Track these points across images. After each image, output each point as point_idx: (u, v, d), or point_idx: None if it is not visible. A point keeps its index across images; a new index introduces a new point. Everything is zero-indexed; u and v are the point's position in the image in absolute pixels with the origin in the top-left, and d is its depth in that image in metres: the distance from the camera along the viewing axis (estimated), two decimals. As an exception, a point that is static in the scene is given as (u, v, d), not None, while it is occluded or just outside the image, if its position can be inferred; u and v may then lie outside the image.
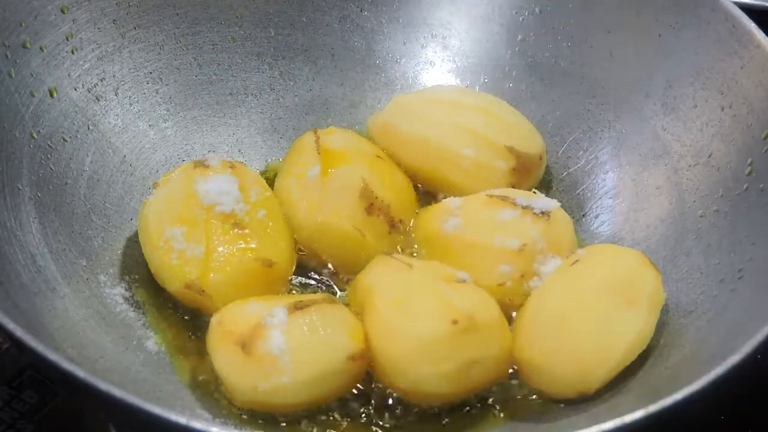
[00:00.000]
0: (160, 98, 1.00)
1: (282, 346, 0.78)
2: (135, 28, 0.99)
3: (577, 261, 0.85)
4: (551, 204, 0.89)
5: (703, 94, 0.93)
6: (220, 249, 0.85)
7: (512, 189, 0.92)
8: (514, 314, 0.86)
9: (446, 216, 0.90)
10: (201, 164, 0.89)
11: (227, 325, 0.81)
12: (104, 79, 0.96)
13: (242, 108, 1.02)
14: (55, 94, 0.92)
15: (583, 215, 0.97)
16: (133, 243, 0.92)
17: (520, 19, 1.03)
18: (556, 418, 0.81)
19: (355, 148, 0.93)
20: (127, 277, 0.90)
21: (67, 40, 0.94)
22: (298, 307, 0.81)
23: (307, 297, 0.85)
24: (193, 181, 0.88)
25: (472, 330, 0.79)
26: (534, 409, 0.83)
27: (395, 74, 1.06)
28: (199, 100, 1.01)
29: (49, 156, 0.90)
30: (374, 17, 1.06)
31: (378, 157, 0.94)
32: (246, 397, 0.80)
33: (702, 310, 0.84)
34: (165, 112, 1.00)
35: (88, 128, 0.94)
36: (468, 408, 0.83)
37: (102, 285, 0.88)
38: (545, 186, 0.99)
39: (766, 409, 0.92)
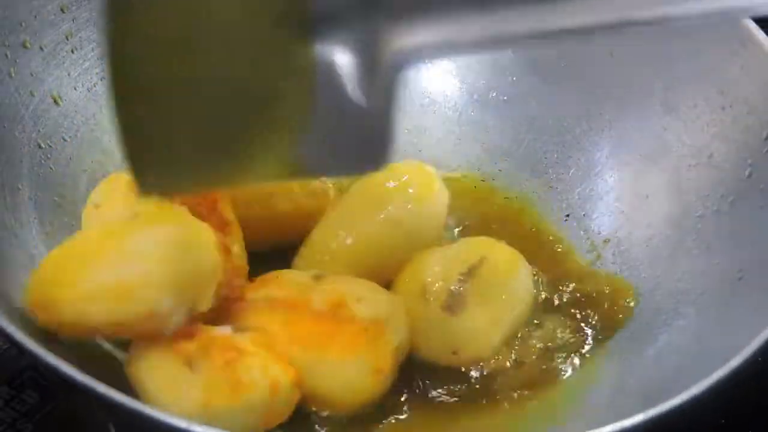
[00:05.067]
0: (160, 97, 1.00)
1: None
2: (135, 27, 0.99)
3: None
4: None
5: (703, 94, 0.93)
6: None
7: None
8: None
9: None
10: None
11: None
12: (104, 78, 0.96)
13: (242, 107, 1.02)
14: (61, 103, 0.92)
15: (584, 215, 0.97)
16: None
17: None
18: (556, 423, 0.81)
19: None
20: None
21: (67, 39, 0.94)
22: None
23: None
24: None
25: None
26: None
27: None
28: (198, 99, 1.01)
29: (49, 156, 0.90)
30: (374, 16, 1.06)
31: None
32: None
33: (702, 311, 0.84)
34: (165, 112, 1.00)
35: (88, 128, 0.94)
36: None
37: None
38: (546, 186, 0.99)
39: (766, 411, 0.92)
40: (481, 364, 0.85)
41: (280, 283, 0.83)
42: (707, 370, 0.72)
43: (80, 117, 0.94)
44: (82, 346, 0.79)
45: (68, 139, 0.92)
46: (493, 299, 0.85)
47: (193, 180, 0.70)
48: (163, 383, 0.75)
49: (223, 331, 0.78)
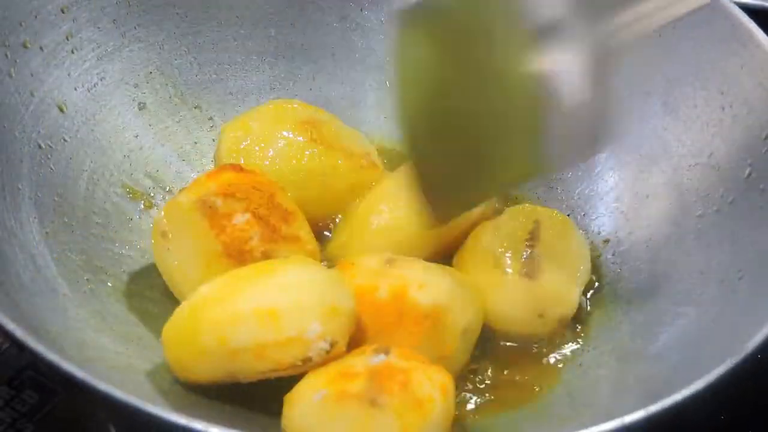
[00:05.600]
0: (161, 98, 1.00)
1: None
2: (135, 27, 0.99)
3: None
4: None
5: (703, 94, 0.93)
6: None
7: None
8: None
9: None
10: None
11: None
12: (104, 78, 0.96)
13: (242, 108, 1.02)
14: (65, 110, 0.92)
15: (584, 215, 0.97)
16: (134, 243, 0.92)
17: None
18: (554, 418, 0.81)
19: None
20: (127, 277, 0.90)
21: (67, 39, 0.94)
22: None
23: None
24: None
25: None
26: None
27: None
28: (199, 99, 1.02)
29: (49, 156, 0.90)
30: (374, 16, 1.06)
31: None
32: None
33: (702, 310, 0.84)
34: (165, 112, 1.00)
35: (88, 128, 0.94)
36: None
37: (102, 284, 0.88)
38: (546, 187, 0.99)
39: (767, 410, 0.92)
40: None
41: (354, 271, 0.84)
42: (707, 368, 0.72)
43: (80, 117, 0.94)
44: (82, 346, 0.80)
45: (68, 139, 0.92)
46: (561, 258, 0.87)
47: (468, 199, 0.81)
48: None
49: (374, 358, 0.77)
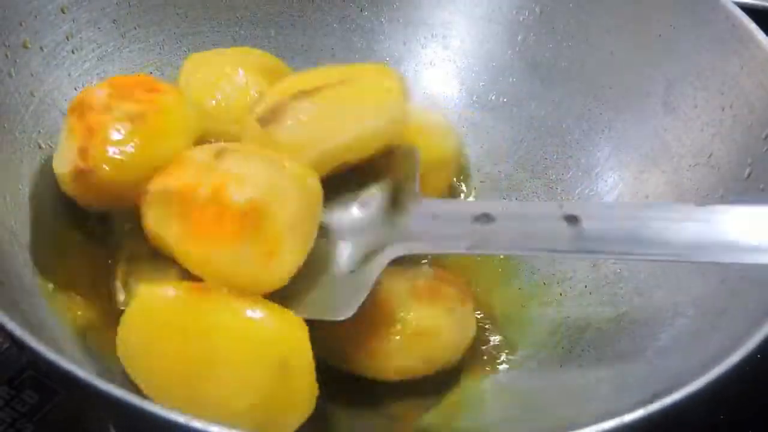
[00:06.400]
0: (161, 98, 1.00)
1: None
2: (135, 27, 0.99)
3: None
4: None
5: (703, 94, 0.93)
6: None
7: None
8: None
9: None
10: None
11: None
12: (104, 78, 0.96)
13: (242, 108, 1.02)
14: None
15: (584, 215, 0.97)
16: (133, 243, 0.92)
17: (521, 19, 1.03)
18: (554, 419, 0.81)
19: None
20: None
21: (67, 39, 0.94)
22: None
23: None
24: None
25: None
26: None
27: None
28: (199, 100, 1.02)
29: (49, 156, 0.90)
30: (374, 17, 1.06)
31: None
32: None
33: (702, 310, 0.84)
34: (165, 112, 1.00)
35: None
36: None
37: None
38: (546, 187, 0.99)
39: (766, 409, 0.92)
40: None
41: (179, 167, 0.81)
42: (707, 368, 0.72)
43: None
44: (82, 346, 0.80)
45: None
46: None
47: None
48: None
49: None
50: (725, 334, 0.79)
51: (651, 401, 0.70)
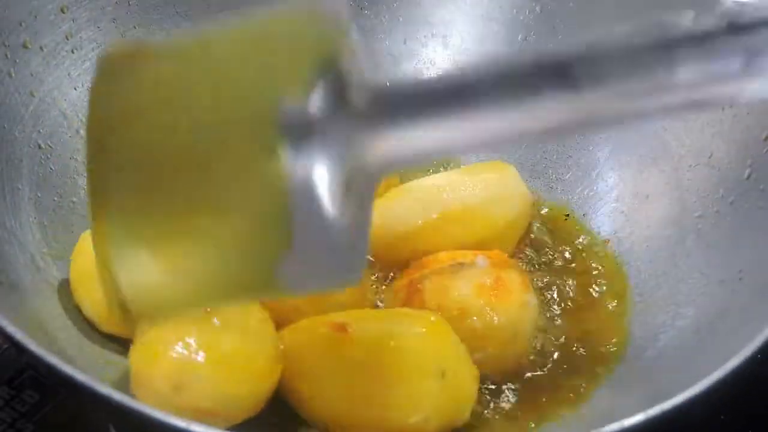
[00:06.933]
0: (160, 98, 1.00)
1: None
2: (135, 27, 0.99)
3: None
4: None
5: (704, 94, 0.93)
6: None
7: None
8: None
9: None
10: None
11: None
12: (104, 78, 0.96)
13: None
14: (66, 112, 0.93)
15: (583, 215, 0.97)
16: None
17: (521, 18, 1.03)
18: (554, 421, 0.81)
19: None
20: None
21: (67, 39, 0.94)
22: None
23: None
24: None
25: None
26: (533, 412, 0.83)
27: (395, 73, 1.06)
28: (199, 99, 1.01)
29: (49, 156, 0.90)
30: (374, 16, 1.06)
31: None
32: None
33: (702, 311, 0.84)
34: (165, 112, 1.00)
35: (89, 128, 0.94)
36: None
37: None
38: (546, 187, 0.99)
39: (767, 410, 0.92)
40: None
41: None
42: (707, 369, 0.72)
43: (80, 117, 0.93)
44: (82, 347, 0.80)
45: (68, 139, 0.92)
46: None
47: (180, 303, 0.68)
48: None
49: None
50: (725, 335, 0.79)
51: (651, 403, 0.70)
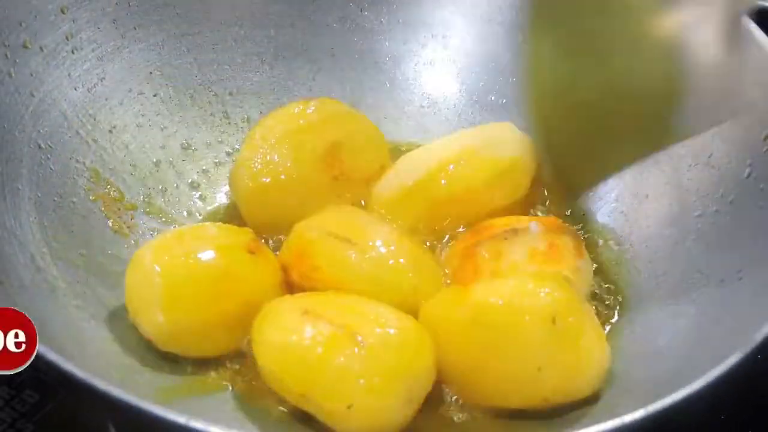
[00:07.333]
0: (161, 98, 1.00)
1: None
2: (135, 28, 0.99)
3: None
4: None
5: (704, 94, 0.93)
6: None
7: None
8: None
9: None
10: None
11: None
12: (104, 78, 0.96)
13: (242, 108, 1.03)
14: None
15: (583, 215, 0.97)
16: (134, 243, 0.92)
17: (521, 19, 1.03)
18: (556, 418, 0.81)
19: None
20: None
21: (67, 40, 0.94)
22: None
23: None
24: None
25: None
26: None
27: (395, 74, 1.06)
28: (199, 100, 1.02)
29: (49, 156, 0.90)
30: (374, 17, 1.06)
31: None
32: None
33: (702, 310, 0.84)
34: (165, 112, 1.00)
35: (88, 128, 0.94)
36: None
37: (102, 284, 0.88)
38: (546, 187, 0.99)
39: (766, 410, 0.92)
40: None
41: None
42: (707, 368, 0.72)
43: (80, 117, 0.94)
44: (82, 346, 0.80)
45: (68, 139, 0.92)
46: None
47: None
48: None
49: None
50: (725, 335, 0.79)
51: (651, 401, 0.70)
